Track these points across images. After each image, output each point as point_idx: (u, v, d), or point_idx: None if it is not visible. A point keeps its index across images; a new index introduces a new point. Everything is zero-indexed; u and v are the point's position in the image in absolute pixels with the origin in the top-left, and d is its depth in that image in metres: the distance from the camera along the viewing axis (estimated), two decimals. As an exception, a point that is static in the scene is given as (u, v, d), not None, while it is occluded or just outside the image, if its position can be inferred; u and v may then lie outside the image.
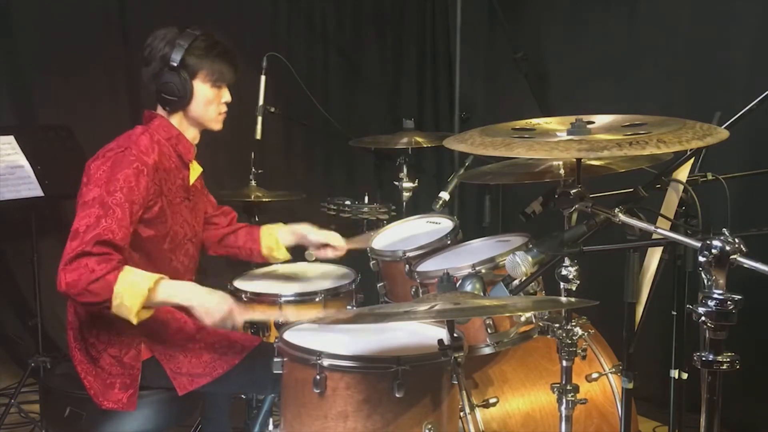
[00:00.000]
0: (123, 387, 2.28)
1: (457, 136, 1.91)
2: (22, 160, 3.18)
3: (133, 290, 2.08)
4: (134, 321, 2.11)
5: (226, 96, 2.44)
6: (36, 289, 3.41)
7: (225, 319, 2.20)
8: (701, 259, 1.45)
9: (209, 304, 2.19)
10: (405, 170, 3.37)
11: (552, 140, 1.77)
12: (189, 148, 2.44)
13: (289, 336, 2.09)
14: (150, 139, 2.32)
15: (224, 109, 2.46)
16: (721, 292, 1.44)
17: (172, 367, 2.33)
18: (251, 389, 2.61)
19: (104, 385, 2.29)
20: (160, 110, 2.41)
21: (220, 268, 3.22)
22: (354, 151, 3.72)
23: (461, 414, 2.08)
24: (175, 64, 2.31)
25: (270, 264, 2.91)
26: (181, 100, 2.35)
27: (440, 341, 1.89)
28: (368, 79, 4.66)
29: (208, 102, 2.40)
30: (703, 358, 1.47)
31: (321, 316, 2.47)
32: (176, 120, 2.40)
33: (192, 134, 2.46)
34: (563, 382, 1.97)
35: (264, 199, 3.40)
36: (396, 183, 3.39)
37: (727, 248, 1.44)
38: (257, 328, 2.70)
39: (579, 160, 1.86)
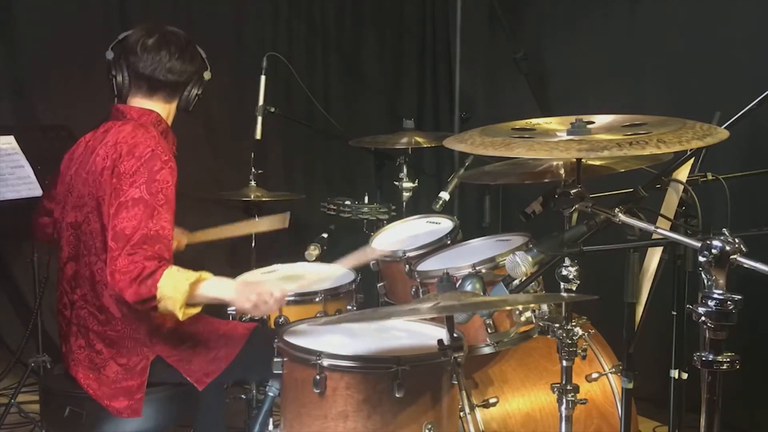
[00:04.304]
0: (129, 393, 2.28)
1: (457, 136, 1.91)
2: (22, 160, 3.17)
3: (175, 288, 2.10)
4: (181, 317, 2.13)
5: None
6: (36, 289, 3.40)
7: (267, 310, 2.23)
8: (701, 259, 1.45)
9: (251, 298, 2.19)
10: (405, 170, 3.37)
11: (552, 140, 1.77)
12: (175, 140, 2.48)
13: (289, 336, 2.09)
14: (160, 136, 2.34)
15: None
16: (721, 292, 1.44)
17: (185, 366, 2.34)
18: (260, 372, 2.59)
19: (110, 392, 2.28)
20: (151, 104, 2.40)
21: (219, 269, 3.22)
22: (354, 151, 3.72)
23: (461, 414, 2.08)
24: (209, 77, 2.48)
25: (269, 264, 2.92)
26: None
27: (440, 341, 1.89)
28: (368, 79, 4.66)
29: None
30: (703, 358, 1.47)
31: (324, 318, 2.48)
32: (166, 113, 2.44)
33: None
34: (563, 382, 1.97)
35: (264, 199, 3.40)
36: (396, 183, 3.39)
37: (727, 248, 1.44)
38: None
39: (579, 160, 1.86)
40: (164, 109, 2.42)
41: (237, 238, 3.20)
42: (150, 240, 2.12)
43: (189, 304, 2.14)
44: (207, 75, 2.47)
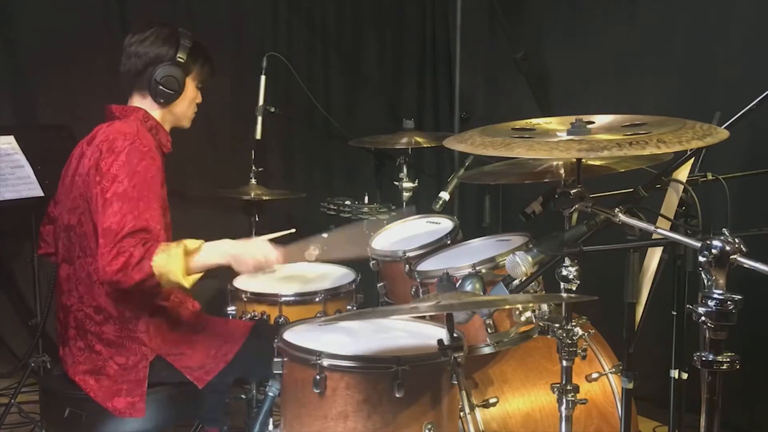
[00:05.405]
0: (129, 393, 2.28)
1: (457, 136, 1.91)
2: (22, 160, 3.17)
3: (171, 263, 2.14)
4: (188, 285, 2.19)
5: (199, 98, 2.54)
6: (36, 289, 3.41)
7: (260, 267, 2.29)
8: (701, 259, 1.45)
9: (243, 256, 2.26)
10: (405, 170, 3.37)
11: (552, 140, 1.77)
12: (168, 138, 2.48)
13: (289, 336, 2.09)
14: (142, 129, 2.33)
15: (196, 109, 2.55)
16: (721, 292, 1.44)
17: (184, 364, 2.34)
18: (261, 370, 2.60)
19: (111, 392, 2.29)
20: (139, 103, 2.42)
21: (220, 269, 3.22)
22: (354, 151, 3.72)
23: (461, 414, 2.08)
24: (182, 61, 2.39)
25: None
26: (175, 95, 2.42)
27: (440, 341, 1.89)
28: (368, 79, 4.66)
29: (192, 101, 2.50)
30: (703, 358, 1.47)
31: (324, 317, 2.49)
32: (158, 114, 2.44)
33: (168, 128, 2.50)
34: (563, 382, 1.97)
35: (264, 198, 3.40)
36: (396, 183, 3.40)
37: (727, 248, 1.43)
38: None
39: (579, 160, 1.86)
40: (151, 105, 2.42)
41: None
42: (137, 232, 2.14)
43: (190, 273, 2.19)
44: (181, 57, 2.39)
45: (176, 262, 2.14)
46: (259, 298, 2.74)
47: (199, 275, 2.22)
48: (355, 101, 4.61)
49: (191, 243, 2.21)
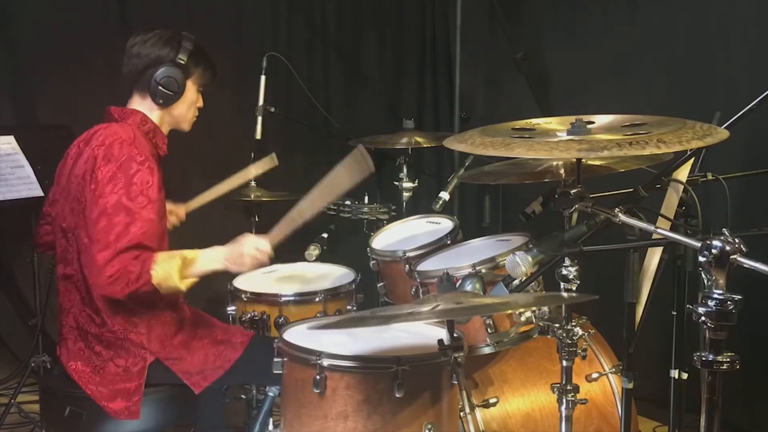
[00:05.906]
0: (127, 396, 2.28)
1: (457, 136, 1.91)
2: (22, 160, 3.18)
3: (168, 274, 2.17)
4: (184, 288, 2.23)
5: (200, 102, 2.53)
6: (36, 289, 3.41)
7: (256, 262, 2.28)
8: (701, 259, 1.45)
9: (237, 256, 2.27)
10: (405, 170, 3.37)
11: (552, 140, 1.77)
12: (165, 140, 2.47)
13: (289, 336, 2.09)
14: (139, 135, 2.33)
15: (197, 113, 2.54)
16: (721, 292, 1.44)
17: (182, 368, 2.33)
18: (260, 376, 2.60)
19: (109, 393, 2.28)
20: (138, 105, 2.41)
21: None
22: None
23: (461, 414, 2.08)
24: (183, 63, 2.38)
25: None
26: (174, 96, 2.40)
27: (440, 341, 1.89)
28: (368, 79, 4.66)
29: (192, 104, 2.48)
30: (703, 358, 1.47)
31: (322, 322, 2.49)
32: (156, 115, 2.43)
33: (166, 130, 2.49)
34: (563, 382, 1.97)
35: (264, 199, 3.40)
36: (396, 183, 3.39)
37: (727, 248, 1.44)
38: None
39: (579, 160, 1.86)
40: (150, 107, 2.41)
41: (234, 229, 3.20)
42: (134, 246, 2.15)
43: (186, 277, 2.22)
44: (181, 59, 2.38)
45: (174, 273, 2.17)
46: (259, 298, 2.74)
47: (195, 279, 2.25)
48: (355, 101, 4.61)
49: (189, 253, 2.23)
